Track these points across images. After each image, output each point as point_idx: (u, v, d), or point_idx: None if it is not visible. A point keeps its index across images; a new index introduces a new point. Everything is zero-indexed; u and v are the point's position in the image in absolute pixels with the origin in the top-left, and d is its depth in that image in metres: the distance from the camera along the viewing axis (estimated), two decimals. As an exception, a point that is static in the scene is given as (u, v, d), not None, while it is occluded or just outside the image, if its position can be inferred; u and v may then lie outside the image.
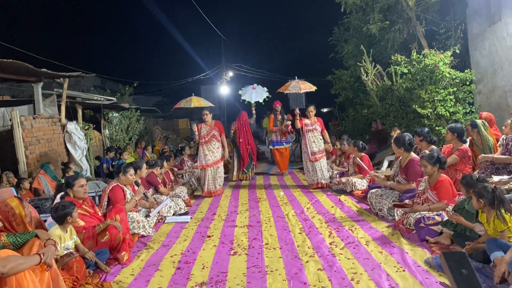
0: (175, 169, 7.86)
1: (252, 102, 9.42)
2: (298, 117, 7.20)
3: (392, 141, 5.31)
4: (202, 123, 7.15)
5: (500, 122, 5.93)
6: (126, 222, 4.14)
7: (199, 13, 15.60)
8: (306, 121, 7.24)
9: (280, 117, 9.09)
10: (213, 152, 7.02)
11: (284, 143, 9.17)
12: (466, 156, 4.81)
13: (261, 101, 9.45)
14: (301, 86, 7.76)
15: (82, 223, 3.76)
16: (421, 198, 4.18)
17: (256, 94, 9.50)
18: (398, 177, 4.99)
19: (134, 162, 5.58)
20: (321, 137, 7.24)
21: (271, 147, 9.35)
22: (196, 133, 7.09)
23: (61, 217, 3.30)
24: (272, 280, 3.08)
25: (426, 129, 5.30)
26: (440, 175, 4.05)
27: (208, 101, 8.72)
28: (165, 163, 6.92)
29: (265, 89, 9.76)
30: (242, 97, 9.61)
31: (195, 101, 8.18)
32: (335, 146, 8.40)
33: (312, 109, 7.32)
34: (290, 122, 8.84)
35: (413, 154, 4.95)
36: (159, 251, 4.05)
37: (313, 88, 7.88)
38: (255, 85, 9.83)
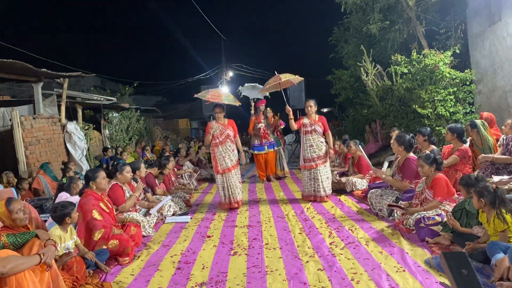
0: (175, 169, 7.88)
1: (251, 98, 9.39)
2: (291, 116, 5.91)
3: (392, 139, 5.30)
4: (211, 122, 6.05)
5: (500, 122, 5.93)
6: (140, 238, 4.23)
7: (199, 13, 15.59)
8: (305, 120, 5.98)
9: (263, 117, 8.36)
10: (229, 154, 5.86)
11: (266, 147, 8.35)
12: (466, 156, 4.81)
13: (259, 97, 9.38)
14: (281, 83, 6.19)
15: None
16: (419, 199, 4.19)
17: (253, 91, 9.50)
18: (396, 176, 5.02)
19: (132, 162, 5.58)
20: (322, 140, 5.99)
21: (251, 151, 8.72)
22: (211, 133, 5.86)
23: (60, 217, 3.30)
24: (272, 280, 3.08)
25: (429, 129, 5.29)
26: (437, 174, 4.04)
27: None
28: (170, 164, 6.95)
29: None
30: (242, 92, 9.61)
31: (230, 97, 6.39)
32: (334, 146, 8.34)
33: (311, 104, 5.94)
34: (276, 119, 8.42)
35: (410, 154, 4.95)
36: (159, 251, 4.04)
37: (296, 79, 6.33)
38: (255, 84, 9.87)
